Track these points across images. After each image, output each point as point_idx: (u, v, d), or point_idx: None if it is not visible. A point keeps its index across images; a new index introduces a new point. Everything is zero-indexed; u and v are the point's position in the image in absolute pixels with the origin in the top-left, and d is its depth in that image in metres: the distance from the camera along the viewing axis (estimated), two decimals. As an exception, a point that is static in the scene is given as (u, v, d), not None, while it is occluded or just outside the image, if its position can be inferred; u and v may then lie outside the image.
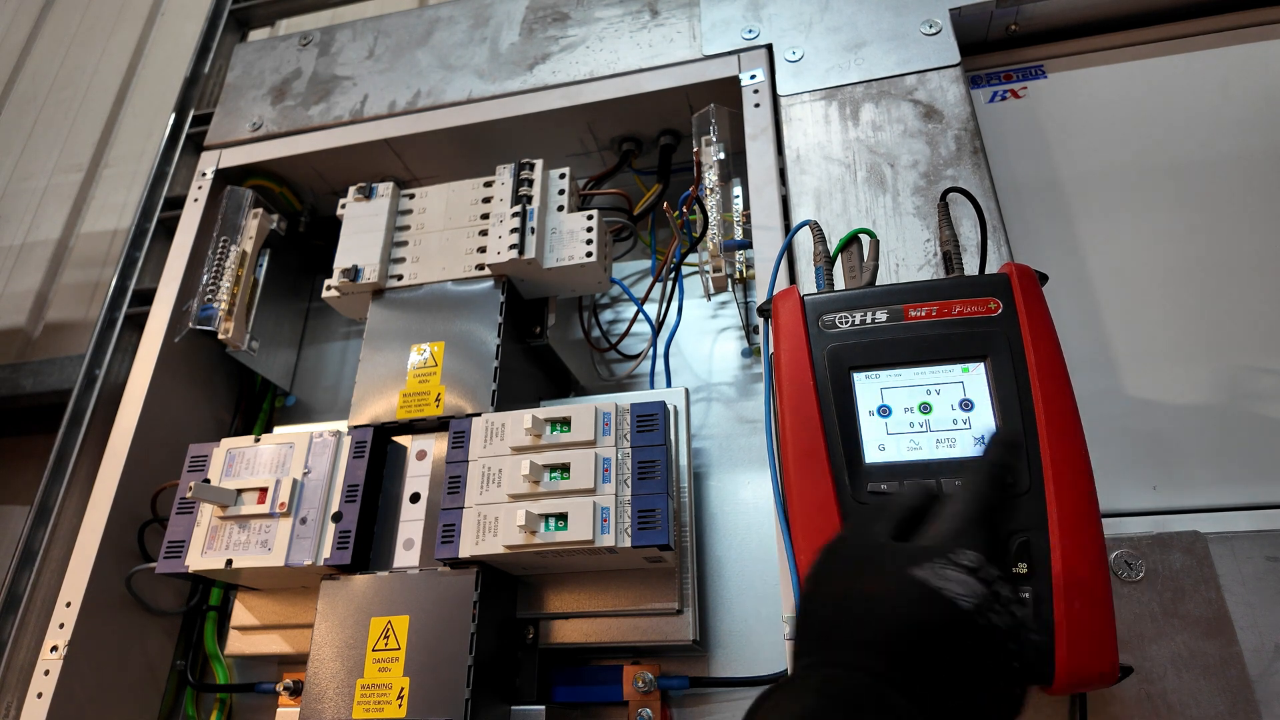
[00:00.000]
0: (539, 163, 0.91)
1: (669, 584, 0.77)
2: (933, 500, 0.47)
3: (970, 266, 0.73)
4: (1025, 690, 0.41)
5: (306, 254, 1.16)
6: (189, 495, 0.79)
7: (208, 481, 0.81)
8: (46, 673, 0.81)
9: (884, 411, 0.62)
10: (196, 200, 1.09)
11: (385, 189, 0.95)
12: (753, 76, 0.94)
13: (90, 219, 1.70)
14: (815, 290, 0.71)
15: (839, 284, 0.74)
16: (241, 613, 0.88)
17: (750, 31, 0.97)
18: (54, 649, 0.82)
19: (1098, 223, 0.89)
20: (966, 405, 0.61)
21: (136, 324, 1.03)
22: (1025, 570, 0.55)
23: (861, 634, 0.39)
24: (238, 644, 0.88)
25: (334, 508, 0.78)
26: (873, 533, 0.45)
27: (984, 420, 0.60)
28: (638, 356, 1.01)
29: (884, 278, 0.76)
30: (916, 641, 0.38)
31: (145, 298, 1.04)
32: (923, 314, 0.63)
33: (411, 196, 0.95)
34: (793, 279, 0.80)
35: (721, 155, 0.88)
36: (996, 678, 0.39)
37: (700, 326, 1.02)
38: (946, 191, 0.73)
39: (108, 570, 0.87)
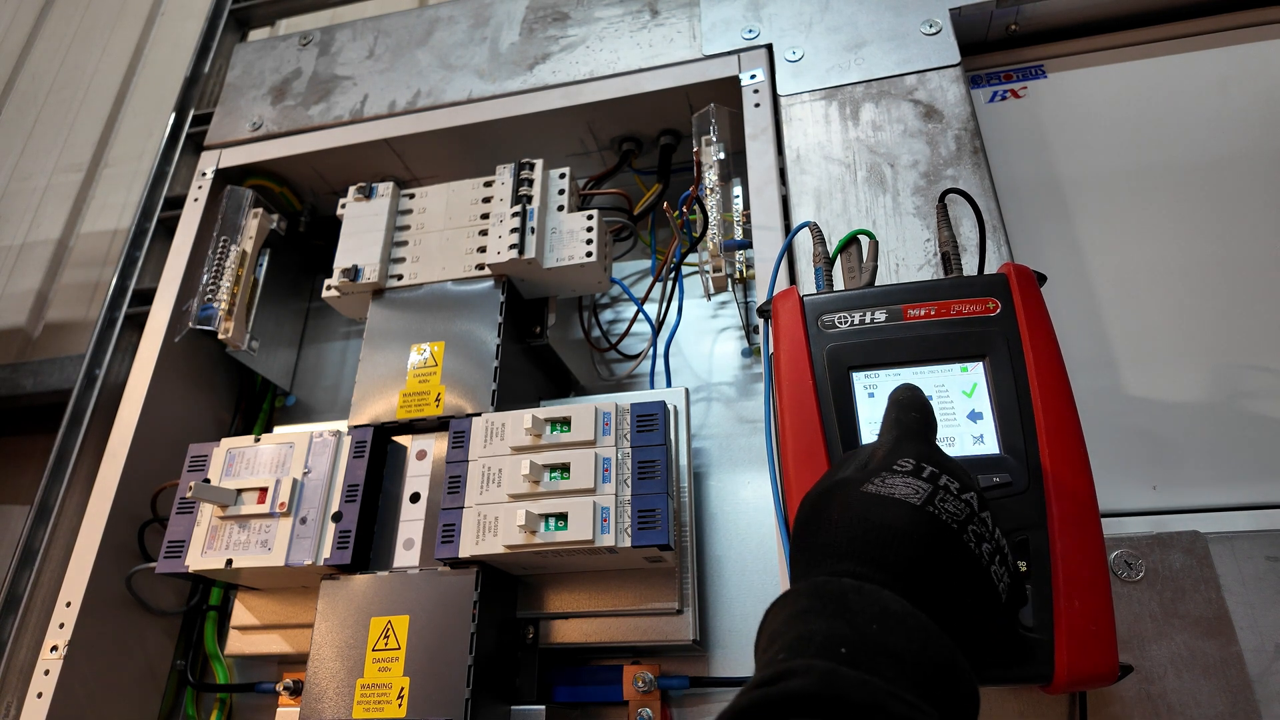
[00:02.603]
0: (539, 163, 0.91)
1: (669, 584, 0.77)
2: None
3: (970, 266, 0.73)
4: (1010, 571, 0.45)
5: (306, 254, 1.16)
6: (189, 495, 0.79)
7: (208, 481, 0.81)
8: (46, 673, 0.81)
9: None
10: (196, 200, 1.09)
11: (385, 189, 0.95)
12: (753, 76, 0.94)
13: (90, 219, 1.70)
14: (815, 290, 0.71)
15: (839, 284, 0.74)
16: (241, 613, 0.88)
17: (750, 31, 0.97)
18: (54, 649, 0.82)
19: (1098, 223, 0.89)
20: (965, 405, 0.61)
21: (136, 324, 1.03)
22: (1024, 569, 0.55)
23: (837, 548, 0.43)
24: (238, 644, 0.88)
25: (334, 508, 0.78)
26: (835, 474, 0.49)
27: (983, 420, 0.60)
28: (638, 356, 1.01)
29: (883, 278, 0.76)
30: (883, 542, 0.42)
31: (145, 298, 1.04)
32: (922, 314, 0.63)
33: (411, 196, 0.95)
34: (793, 279, 0.80)
35: (721, 155, 0.88)
36: (966, 560, 0.42)
37: (700, 326, 1.02)
38: (946, 192, 0.73)
39: (108, 570, 0.87)
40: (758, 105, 0.91)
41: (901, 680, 0.35)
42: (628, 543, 0.70)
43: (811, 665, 0.35)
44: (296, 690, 0.84)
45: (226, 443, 0.84)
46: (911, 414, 0.50)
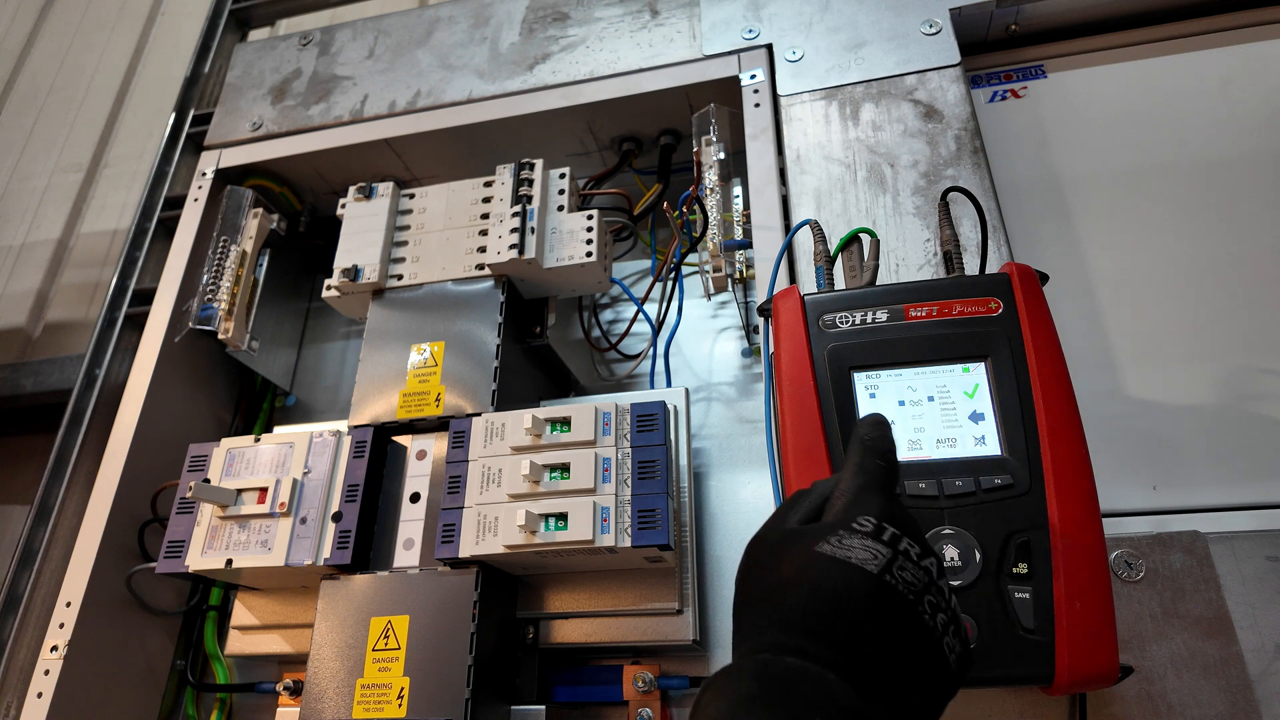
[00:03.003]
0: (539, 163, 0.91)
1: (669, 584, 0.77)
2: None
3: (970, 266, 0.73)
4: (962, 642, 0.42)
5: (306, 254, 1.16)
6: (189, 495, 0.78)
7: (208, 481, 0.81)
8: (46, 673, 0.81)
9: (884, 411, 0.62)
10: (196, 200, 1.09)
11: (385, 189, 0.95)
12: (753, 76, 0.94)
13: (90, 219, 1.70)
14: (815, 290, 0.71)
15: (839, 284, 0.74)
16: (241, 613, 0.88)
17: (750, 31, 0.97)
18: (54, 649, 0.82)
19: (1098, 223, 0.89)
20: (967, 406, 0.61)
21: (136, 324, 1.03)
22: (1025, 570, 0.55)
23: (785, 615, 0.40)
24: (238, 644, 0.88)
25: (334, 507, 0.78)
26: (785, 521, 0.47)
27: (985, 421, 0.60)
28: (638, 356, 1.01)
29: (884, 277, 0.76)
30: (834, 612, 0.39)
31: (145, 298, 1.04)
32: (923, 314, 0.63)
33: (411, 196, 0.95)
34: (793, 279, 0.80)
35: (721, 155, 0.88)
36: (920, 633, 0.40)
37: (700, 326, 1.02)
38: (947, 191, 0.73)
39: (108, 570, 0.87)
40: (758, 105, 0.91)
41: None
42: (628, 543, 0.70)
43: None
44: (296, 690, 0.84)
45: (226, 443, 0.84)
46: (877, 461, 0.46)
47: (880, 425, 0.49)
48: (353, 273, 0.90)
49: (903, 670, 0.39)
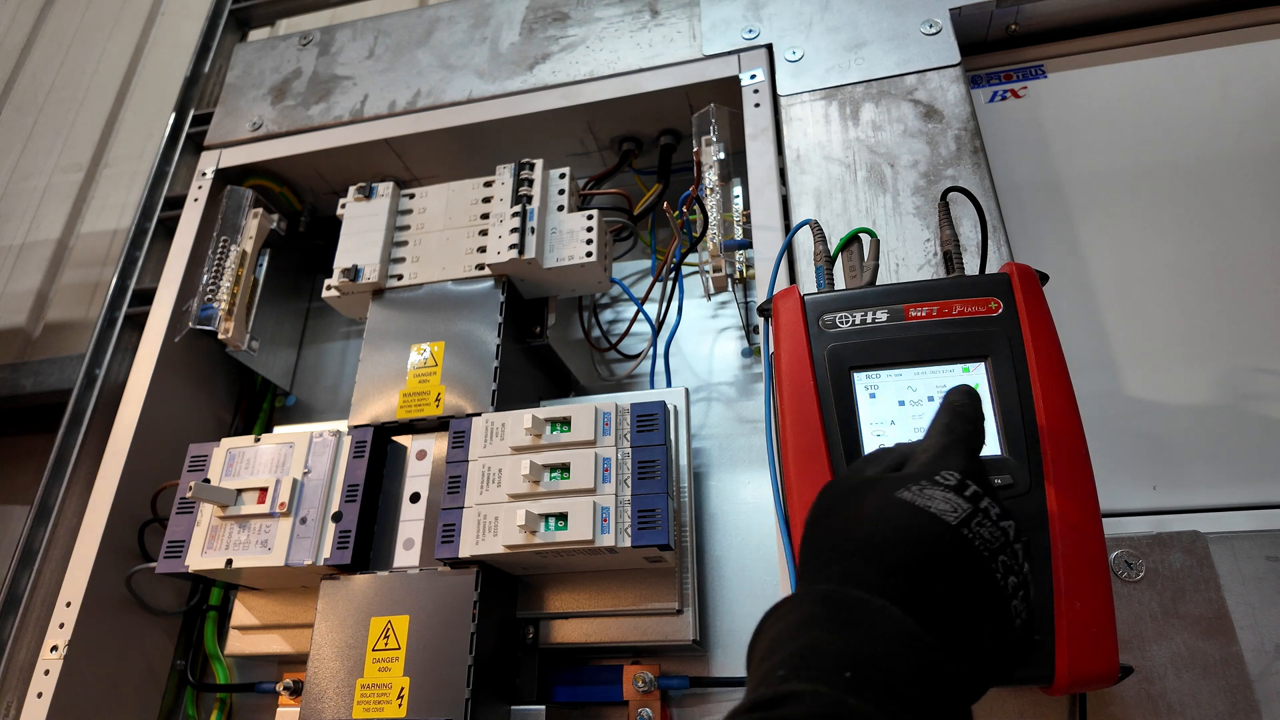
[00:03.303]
0: (539, 162, 0.91)
1: (669, 584, 0.77)
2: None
3: (970, 266, 0.73)
4: (1030, 608, 0.42)
5: (306, 254, 1.16)
6: (189, 495, 0.79)
7: (208, 481, 0.81)
8: (46, 673, 0.81)
9: (884, 411, 0.62)
10: (196, 200, 1.09)
11: (385, 189, 0.95)
12: (753, 76, 0.94)
13: (90, 219, 1.70)
14: (815, 290, 0.71)
15: (839, 284, 0.74)
16: (241, 613, 0.88)
17: (750, 31, 0.97)
18: (54, 649, 0.82)
19: (1098, 223, 0.89)
20: (967, 405, 0.61)
21: (136, 324, 1.03)
22: (1025, 570, 0.55)
23: (857, 551, 0.41)
24: (238, 644, 0.88)
25: (334, 507, 0.78)
26: (864, 471, 0.48)
27: (985, 421, 0.60)
28: (638, 356, 1.01)
29: (884, 277, 0.76)
30: (908, 556, 0.40)
31: (145, 298, 1.04)
32: (923, 314, 0.63)
33: (411, 196, 0.95)
34: (793, 279, 0.80)
35: (721, 155, 0.88)
36: (990, 590, 0.40)
37: (700, 326, 1.02)
38: (947, 191, 0.73)
39: (108, 570, 0.87)
40: (758, 105, 0.91)
41: (905, 715, 0.34)
42: (628, 543, 0.70)
43: (816, 692, 0.33)
44: (296, 690, 0.84)
45: (226, 443, 0.84)
46: (965, 425, 0.47)
47: (971, 394, 0.50)
48: (353, 273, 0.90)
49: (968, 621, 0.39)
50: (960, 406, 0.49)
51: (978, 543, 0.40)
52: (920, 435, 0.61)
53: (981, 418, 0.49)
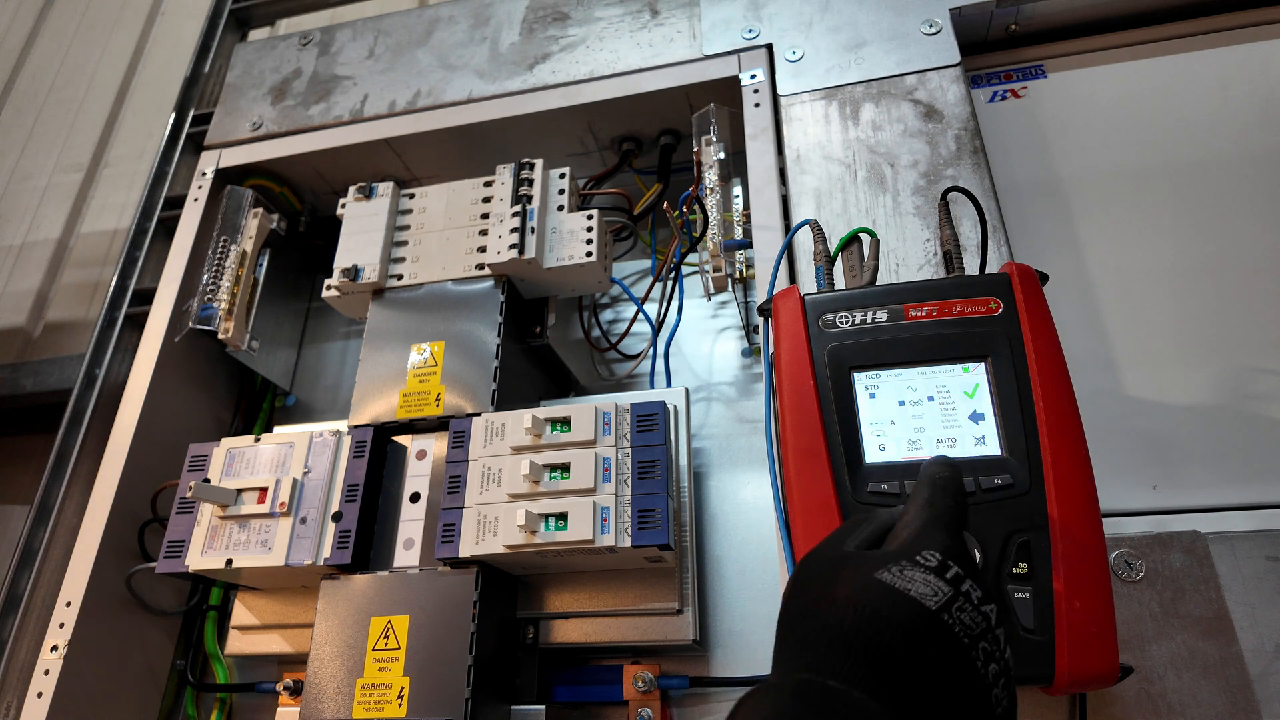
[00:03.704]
0: (539, 162, 0.91)
1: (669, 584, 0.77)
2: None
3: (970, 266, 0.73)
4: (1010, 695, 0.41)
5: (306, 254, 1.16)
6: (189, 495, 0.78)
7: (208, 481, 0.81)
8: (46, 672, 0.81)
9: (884, 411, 0.62)
10: (196, 200, 1.09)
11: (385, 189, 0.95)
12: (753, 76, 0.94)
13: (90, 219, 1.70)
14: (815, 290, 0.71)
15: (839, 284, 0.74)
16: (241, 612, 0.88)
17: (750, 31, 0.97)
18: (54, 649, 0.82)
19: (1098, 223, 0.89)
20: (967, 406, 0.61)
21: (136, 324, 1.03)
22: (1025, 570, 0.55)
23: (833, 638, 0.39)
24: (238, 644, 0.88)
25: (334, 507, 0.78)
26: (843, 544, 0.46)
27: (985, 421, 0.60)
28: (638, 356, 1.01)
29: (884, 277, 0.76)
30: (885, 643, 0.38)
31: (145, 297, 1.04)
32: (923, 314, 0.63)
33: (411, 196, 0.95)
34: (793, 279, 0.80)
35: (721, 155, 0.88)
36: (970, 679, 0.39)
37: (700, 326, 1.02)
38: (947, 191, 0.73)
39: (108, 570, 0.87)
40: (758, 105, 0.91)
41: None
42: (628, 542, 0.70)
43: None
44: (296, 690, 0.84)
45: (226, 443, 0.84)
46: (947, 499, 0.46)
47: (952, 467, 0.49)
48: (353, 273, 0.90)
49: (945, 713, 0.38)
50: (942, 481, 0.47)
51: (958, 629, 0.39)
52: (921, 434, 0.61)
53: (964, 492, 0.48)
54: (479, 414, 0.79)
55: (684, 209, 0.88)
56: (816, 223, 0.75)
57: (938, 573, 0.41)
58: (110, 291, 1.04)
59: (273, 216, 1.06)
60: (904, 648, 0.38)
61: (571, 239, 0.87)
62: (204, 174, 1.11)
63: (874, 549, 0.45)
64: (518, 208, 0.88)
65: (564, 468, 0.73)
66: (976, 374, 0.62)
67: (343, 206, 0.95)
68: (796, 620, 0.42)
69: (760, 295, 0.77)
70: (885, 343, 0.63)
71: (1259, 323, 0.81)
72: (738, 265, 0.89)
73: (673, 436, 0.78)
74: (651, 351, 0.97)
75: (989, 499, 0.57)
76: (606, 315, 1.07)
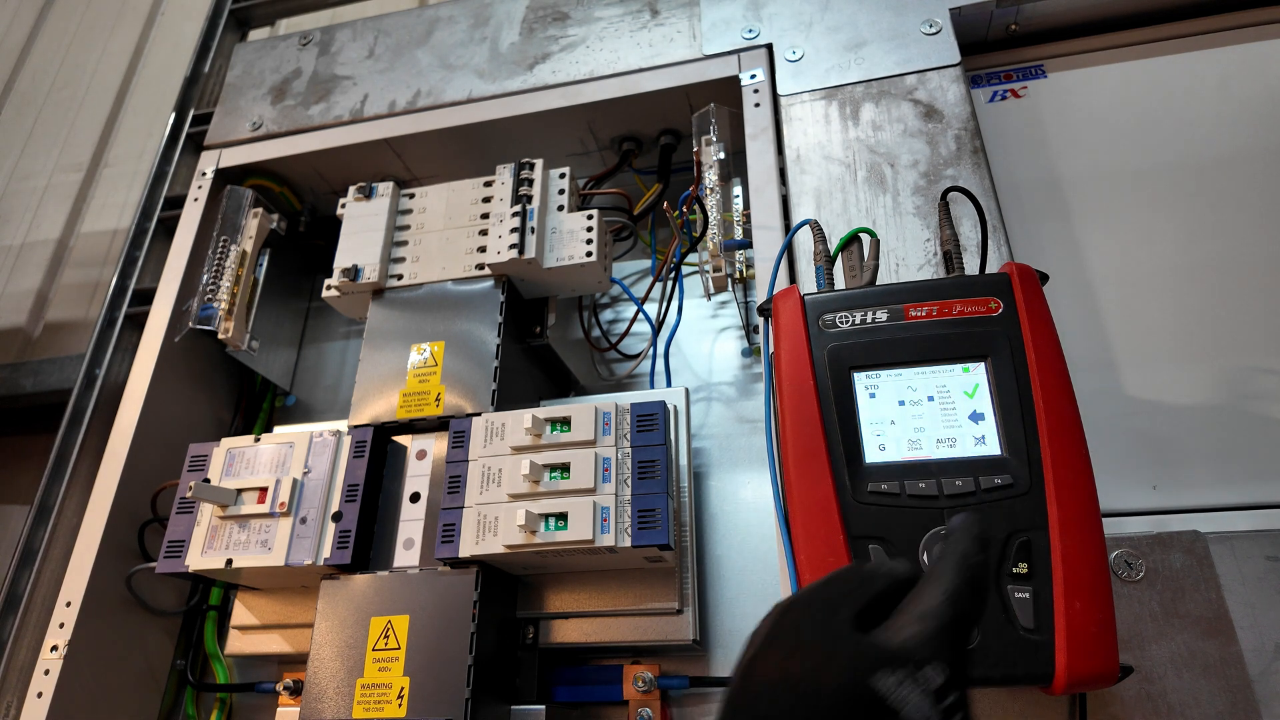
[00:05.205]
0: (539, 162, 0.91)
1: (669, 584, 0.77)
2: (909, 584, 0.43)
3: (970, 266, 0.73)
4: None
5: (306, 254, 1.16)
6: (189, 495, 0.79)
7: (208, 481, 0.81)
8: (46, 673, 0.81)
9: (884, 411, 0.62)
10: (196, 200, 1.09)
11: (385, 189, 0.95)
12: (753, 76, 0.94)
13: (90, 219, 1.70)
14: (816, 290, 0.71)
15: (839, 283, 0.74)
16: (241, 612, 0.88)
17: (750, 31, 0.97)
18: (54, 649, 0.82)
19: (1098, 223, 0.89)
20: (967, 406, 0.61)
21: (136, 324, 1.03)
22: (1025, 570, 0.55)
23: None
24: (238, 644, 0.88)
25: (334, 507, 0.78)
26: (837, 612, 0.41)
27: (985, 421, 0.60)
28: (638, 356, 1.01)
29: (884, 277, 0.76)
30: None
31: (145, 297, 1.04)
32: (923, 314, 0.63)
33: (411, 196, 0.95)
34: (793, 278, 0.80)
35: (721, 155, 0.88)
36: None
37: (700, 326, 1.02)
38: (947, 191, 0.73)
39: (108, 570, 0.87)
40: (758, 105, 0.91)
41: None
42: (628, 542, 0.70)
43: None
44: (296, 690, 0.84)
45: (226, 443, 0.84)
46: (973, 598, 0.41)
47: (987, 546, 0.43)
48: (353, 272, 0.90)
49: None
50: (975, 567, 0.42)
51: None
52: (921, 434, 0.61)
53: (988, 589, 0.43)
54: (479, 414, 0.79)
55: (684, 209, 0.88)
56: (816, 222, 0.75)
57: (935, 698, 0.37)
58: (110, 291, 1.04)
59: (273, 216, 1.06)
60: None
61: (571, 239, 0.87)
62: (204, 174, 1.11)
63: (871, 616, 0.41)
64: (518, 208, 0.88)
65: (564, 468, 0.73)
66: (976, 374, 0.61)
67: (342, 206, 0.95)
68: (764, 691, 0.38)
69: (760, 295, 0.77)
70: (885, 343, 0.63)
71: (1259, 323, 0.81)
72: (738, 265, 0.89)
73: (673, 436, 0.78)
74: (651, 351, 0.97)
75: (989, 499, 0.57)
76: (606, 315, 1.07)
